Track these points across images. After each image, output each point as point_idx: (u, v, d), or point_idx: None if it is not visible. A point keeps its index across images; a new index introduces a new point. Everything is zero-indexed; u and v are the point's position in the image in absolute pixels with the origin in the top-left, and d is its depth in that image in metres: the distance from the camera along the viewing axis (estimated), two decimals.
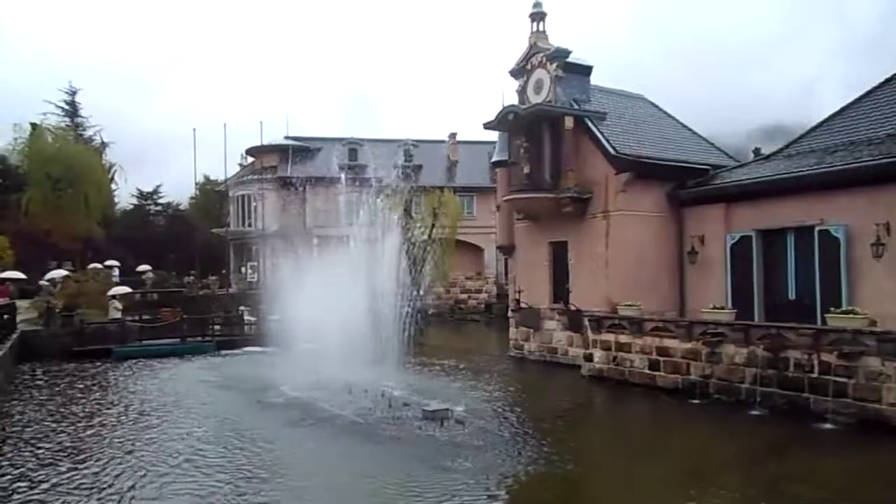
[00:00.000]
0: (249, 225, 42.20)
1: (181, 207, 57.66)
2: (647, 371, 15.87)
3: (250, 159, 46.98)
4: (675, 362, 15.17)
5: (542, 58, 20.55)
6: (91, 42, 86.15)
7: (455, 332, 32.46)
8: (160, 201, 58.32)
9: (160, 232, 54.35)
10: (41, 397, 15.86)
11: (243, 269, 41.26)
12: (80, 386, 17.36)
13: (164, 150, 74.29)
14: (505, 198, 21.53)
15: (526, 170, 20.02)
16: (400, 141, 43.70)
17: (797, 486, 9.07)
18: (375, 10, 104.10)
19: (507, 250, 23.36)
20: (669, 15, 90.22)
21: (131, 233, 49.50)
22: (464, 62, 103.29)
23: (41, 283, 29.84)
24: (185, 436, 11.72)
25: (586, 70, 20.93)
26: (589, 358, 17.62)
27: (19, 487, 9.04)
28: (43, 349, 22.16)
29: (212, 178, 52.72)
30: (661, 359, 15.54)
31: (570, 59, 20.31)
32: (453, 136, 46.49)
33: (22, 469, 9.89)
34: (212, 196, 50.47)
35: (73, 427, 12.62)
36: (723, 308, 15.51)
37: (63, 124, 43.29)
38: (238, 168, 50.06)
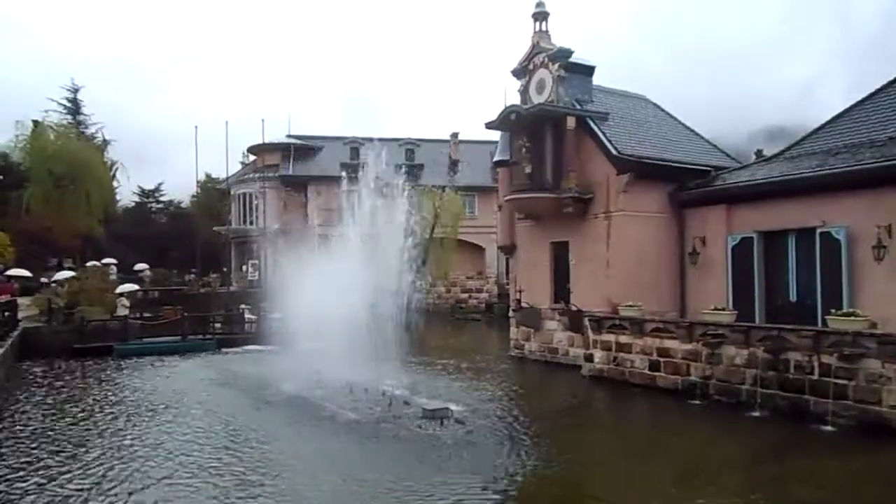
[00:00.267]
0: (251, 223, 42.26)
1: (183, 205, 57.74)
2: (647, 372, 15.88)
3: (252, 157, 47.08)
4: (676, 363, 15.18)
5: (544, 58, 20.55)
6: (93, 40, 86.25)
7: (456, 332, 32.47)
8: (162, 199, 58.48)
9: (162, 230, 54.43)
10: (40, 395, 15.88)
11: (244, 268, 41.31)
12: (81, 384, 17.39)
13: (166, 147, 74.59)
14: (506, 197, 21.53)
15: (527, 170, 20.03)
16: (402, 140, 43.78)
17: (797, 487, 9.08)
18: (378, 8, 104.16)
19: (508, 250, 23.36)
20: (671, 15, 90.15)
21: (133, 230, 49.57)
22: (466, 61, 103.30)
23: (50, 282, 29.87)
24: (183, 434, 11.72)
25: (588, 70, 20.93)
26: (589, 358, 17.64)
27: (13, 485, 9.05)
28: (44, 346, 22.15)
29: (213, 176, 52.81)
30: (662, 359, 15.54)
31: (573, 59, 20.30)
32: (455, 135, 46.50)
33: (16, 467, 9.91)
34: (213, 194, 50.55)
35: (71, 425, 12.65)
36: (723, 309, 15.52)
37: (65, 121, 43.36)
38: (240, 166, 50.16)
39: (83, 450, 10.85)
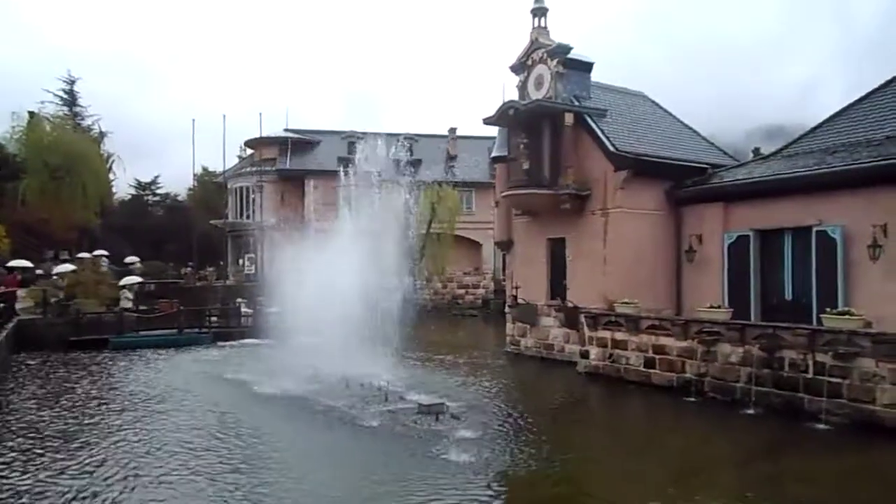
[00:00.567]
0: (248, 217, 42.16)
1: (179, 198, 57.54)
2: (642, 368, 15.91)
3: (249, 151, 46.91)
4: (671, 360, 15.21)
5: (542, 54, 20.50)
6: (90, 31, 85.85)
7: (452, 328, 32.48)
8: (158, 192, 58.20)
9: (158, 223, 54.20)
10: (34, 386, 15.86)
11: (241, 261, 41.24)
12: (75, 375, 17.35)
13: (163, 140, 74.15)
14: (504, 193, 21.51)
15: (525, 166, 20.00)
16: (400, 135, 43.67)
17: (790, 485, 9.12)
18: (376, 3, 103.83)
19: (505, 246, 23.35)
20: (670, 14, 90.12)
21: (129, 223, 49.40)
22: (464, 57, 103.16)
23: (52, 275, 29.75)
24: (176, 428, 11.69)
25: (587, 66, 20.89)
26: (585, 355, 17.66)
27: (5, 479, 9.04)
28: (39, 338, 22.10)
29: (210, 169, 52.64)
30: (657, 356, 15.57)
31: (571, 55, 20.25)
32: (453, 130, 46.37)
33: (8, 458, 9.91)
34: (210, 187, 50.38)
35: (64, 417, 12.62)
36: (719, 307, 15.53)
37: (61, 113, 43.05)
38: (237, 160, 49.99)
39: (76, 443, 10.81)
